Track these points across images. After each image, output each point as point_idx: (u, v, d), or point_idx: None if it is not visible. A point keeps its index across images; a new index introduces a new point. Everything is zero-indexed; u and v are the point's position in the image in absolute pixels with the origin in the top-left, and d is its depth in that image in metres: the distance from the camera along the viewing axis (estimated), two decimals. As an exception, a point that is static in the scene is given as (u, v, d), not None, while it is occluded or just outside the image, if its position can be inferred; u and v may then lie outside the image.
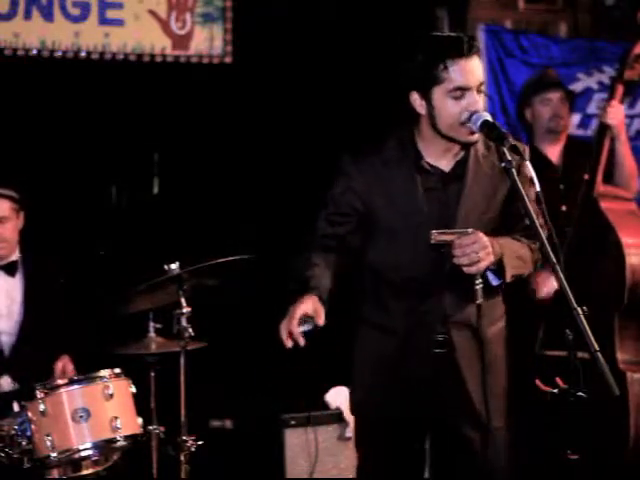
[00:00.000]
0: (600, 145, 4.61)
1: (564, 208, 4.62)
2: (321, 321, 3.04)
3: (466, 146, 3.18)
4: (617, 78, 4.67)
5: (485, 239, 3.04)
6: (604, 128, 4.62)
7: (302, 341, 2.99)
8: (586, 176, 4.58)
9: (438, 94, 3.10)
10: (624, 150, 4.69)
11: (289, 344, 3.01)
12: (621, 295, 4.40)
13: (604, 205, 4.56)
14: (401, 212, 3.18)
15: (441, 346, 3.19)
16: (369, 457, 3.35)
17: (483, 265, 3.05)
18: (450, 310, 3.19)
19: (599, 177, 4.58)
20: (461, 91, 3.08)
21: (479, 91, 3.11)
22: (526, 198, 2.85)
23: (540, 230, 2.79)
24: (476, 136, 3.11)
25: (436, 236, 3.07)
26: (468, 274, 3.06)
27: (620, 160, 4.69)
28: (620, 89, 4.65)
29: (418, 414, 3.24)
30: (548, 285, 4.49)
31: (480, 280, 3.08)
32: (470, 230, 3.06)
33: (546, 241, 2.76)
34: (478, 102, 3.09)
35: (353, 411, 3.42)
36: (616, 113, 4.62)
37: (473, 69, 3.09)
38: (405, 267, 3.20)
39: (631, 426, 4.34)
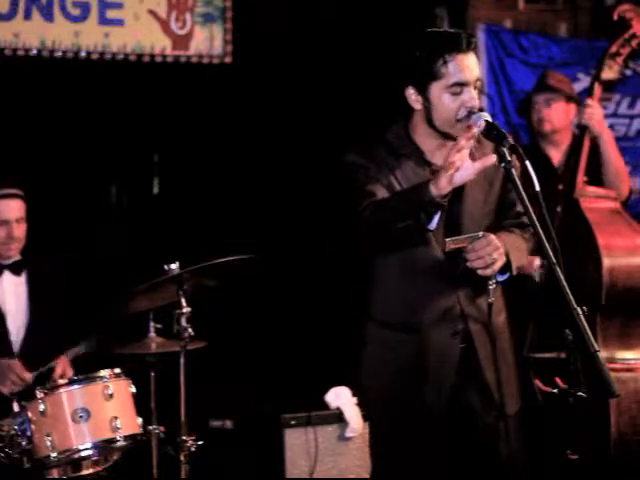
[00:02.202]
0: (580, 145, 4.64)
1: (559, 209, 4.61)
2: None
3: None
4: (595, 78, 4.71)
5: (496, 241, 3.06)
6: (583, 128, 4.66)
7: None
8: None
9: (436, 89, 3.10)
10: (608, 149, 4.71)
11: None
12: (599, 295, 4.40)
13: (584, 205, 4.56)
14: None
15: (463, 339, 3.21)
16: (390, 457, 3.29)
17: (497, 266, 3.08)
18: (466, 306, 3.21)
19: (580, 177, 4.60)
20: (460, 87, 3.08)
21: (476, 87, 3.11)
22: (526, 199, 2.84)
23: (540, 231, 2.79)
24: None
25: (449, 244, 3.08)
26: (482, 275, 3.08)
27: (605, 159, 4.70)
28: (598, 89, 4.69)
29: (440, 408, 3.21)
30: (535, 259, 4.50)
31: (493, 281, 3.13)
32: (481, 234, 3.08)
33: (545, 241, 2.77)
34: (475, 99, 3.10)
35: (368, 411, 3.37)
36: (593, 113, 4.64)
37: (471, 65, 3.10)
38: (422, 262, 3.20)
39: (612, 425, 4.32)
